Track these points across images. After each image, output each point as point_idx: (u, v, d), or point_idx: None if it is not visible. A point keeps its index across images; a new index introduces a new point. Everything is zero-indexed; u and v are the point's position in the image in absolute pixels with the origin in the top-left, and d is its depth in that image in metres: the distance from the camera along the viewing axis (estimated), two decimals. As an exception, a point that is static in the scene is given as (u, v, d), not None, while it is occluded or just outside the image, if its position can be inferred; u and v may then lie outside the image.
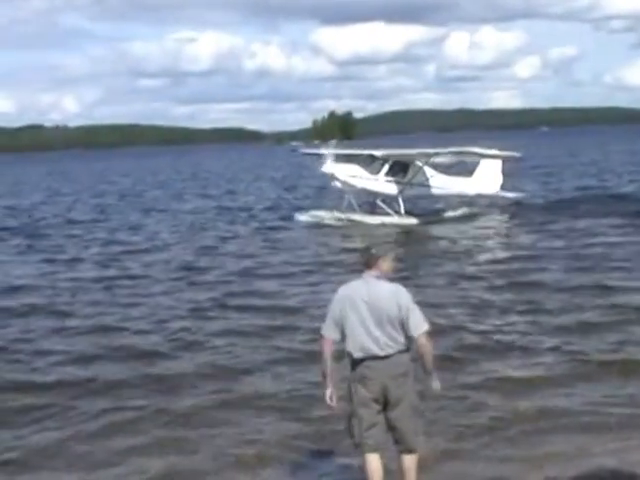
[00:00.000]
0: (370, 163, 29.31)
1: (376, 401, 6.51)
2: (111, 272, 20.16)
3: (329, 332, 6.56)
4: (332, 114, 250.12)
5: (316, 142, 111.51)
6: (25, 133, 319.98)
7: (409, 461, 6.66)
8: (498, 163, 31.42)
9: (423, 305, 6.85)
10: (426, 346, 6.45)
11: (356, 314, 6.43)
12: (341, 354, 6.66)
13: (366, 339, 6.42)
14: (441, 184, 30.27)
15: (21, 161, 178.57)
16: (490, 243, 23.56)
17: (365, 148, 32.34)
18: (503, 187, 31.99)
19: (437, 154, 29.03)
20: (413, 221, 27.68)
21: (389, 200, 29.02)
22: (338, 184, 28.72)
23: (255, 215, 32.82)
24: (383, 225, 27.18)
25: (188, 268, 20.18)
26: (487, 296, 15.43)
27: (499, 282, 16.79)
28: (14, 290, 18.06)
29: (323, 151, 29.96)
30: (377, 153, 29.78)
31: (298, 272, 18.96)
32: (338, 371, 6.66)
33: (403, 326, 6.40)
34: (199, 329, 13.61)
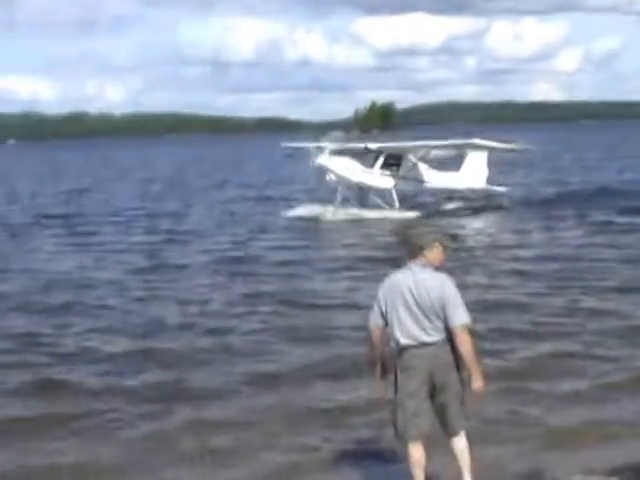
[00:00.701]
0: (364, 156, 28.67)
1: (423, 389, 6.51)
2: (153, 262, 20.38)
3: (376, 320, 6.60)
4: (373, 104, 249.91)
5: (356, 132, 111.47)
6: (70, 120, 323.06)
7: (459, 443, 6.70)
8: (484, 156, 30.31)
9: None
10: (466, 340, 6.40)
11: (403, 303, 6.47)
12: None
13: (413, 327, 6.45)
14: (431, 178, 29.61)
15: (66, 148, 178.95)
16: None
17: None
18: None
19: (436, 147, 28.79)
20: (412, 215, 27.02)
21: (382, 194, 28.47)
22: (332, 177, 27.91)
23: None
24: (388, 220, 26.25)
25: (235, 261, 20.13)
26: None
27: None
28: (53, 283, 17.74)
29: (310, 144, 29.11)
30: (372, 145, 29.10)
31: (337, 267, 18.94)
32: (393, 356, 6.64)
33: (445, 316, 6.44)
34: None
